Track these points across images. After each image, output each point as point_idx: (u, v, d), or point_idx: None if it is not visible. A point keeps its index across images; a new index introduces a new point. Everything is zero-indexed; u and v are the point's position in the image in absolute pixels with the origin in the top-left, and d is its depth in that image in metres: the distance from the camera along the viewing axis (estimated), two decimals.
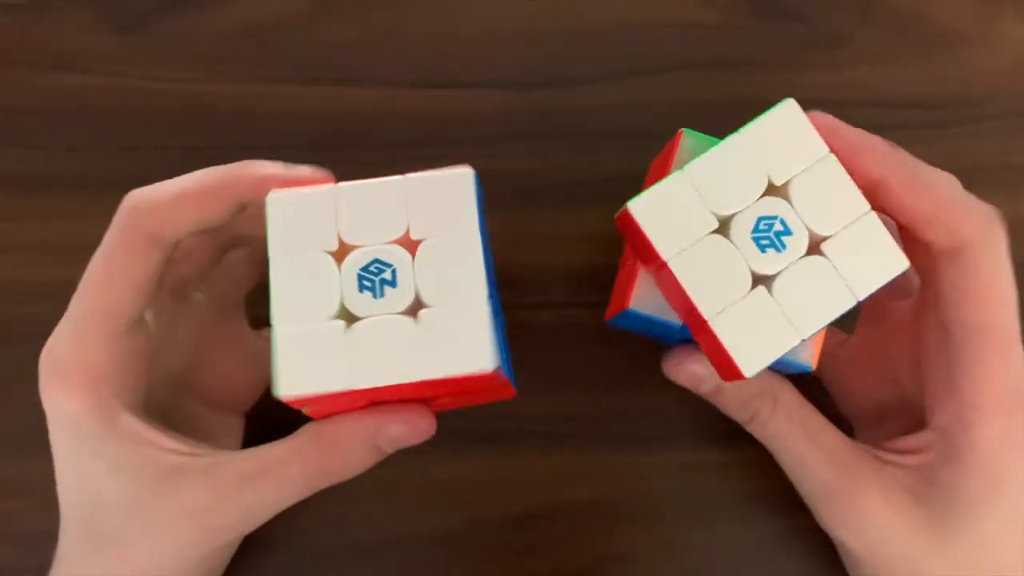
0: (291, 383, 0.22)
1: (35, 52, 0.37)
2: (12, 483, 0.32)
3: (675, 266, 0.23)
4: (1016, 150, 0.36)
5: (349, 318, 0.23)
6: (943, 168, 0.26)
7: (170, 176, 0.25)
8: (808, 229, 0.24)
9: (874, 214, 0.24)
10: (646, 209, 0.24)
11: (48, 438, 0.26)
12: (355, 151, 0.35)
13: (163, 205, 0.25)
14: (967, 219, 0.24)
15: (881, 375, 0.29)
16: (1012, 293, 0.24)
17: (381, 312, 0.23)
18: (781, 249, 0.23)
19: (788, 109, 0.24)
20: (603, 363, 0.33)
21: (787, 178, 0.24)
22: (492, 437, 0.32)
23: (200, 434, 0.27)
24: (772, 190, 0.24)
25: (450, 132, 0.36)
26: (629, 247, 0.27)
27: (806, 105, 0.35)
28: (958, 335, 0.25)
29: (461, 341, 0.22)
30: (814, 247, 0.24)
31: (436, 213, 0.23)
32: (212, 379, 0.30)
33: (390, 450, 0.25)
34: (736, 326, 0.23)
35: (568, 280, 0.34)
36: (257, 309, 0.31)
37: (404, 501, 0.32)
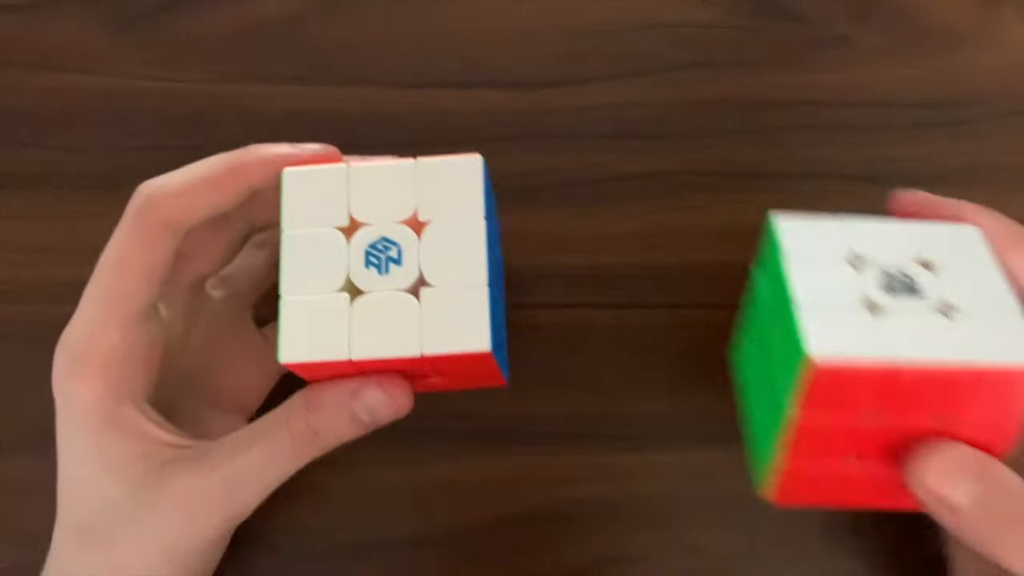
0: (294, 350, 0.23)
1: (35, 52, 0.37)
2: (11, 483, 0.32)
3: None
4: (1016, 150, 0.36)
5: (354, 292, 0.24)
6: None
7: None
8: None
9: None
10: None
11: (49, 438, 0.26)
12: (355, 151, 0.35)
13: (176, 193, 0.25)
14: None
15: None
16: None
17: (385, 288, 0.24)
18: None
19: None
20: (603, 363, 0.33)
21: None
22: (492, 437, 0.32)
23: (204, 437, 0.27)
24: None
25: (450, 132, 0.36)
26: None
27: (806, 105, 0.35)
28: None
29: (460, 321, 0.23)
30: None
31: (444, 197, 0.24)
32: (222, 379, 0.30)
33: (367, 419, 0.25)
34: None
35: (568, 280, 0.34)
36: (261, 309, 0.31)
37: (404, 501, 0.32)
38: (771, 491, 0.24)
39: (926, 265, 0.23)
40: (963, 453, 0.21)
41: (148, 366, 0.27)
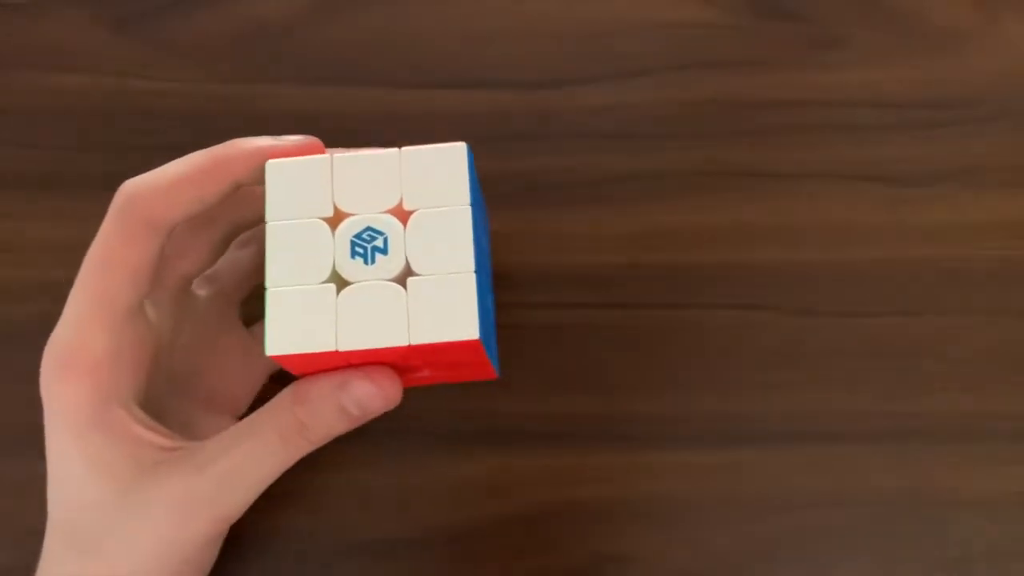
0: (280, 342, 0.23)
1: (35, 52, 0.37)
2: (12, 483, 0.32)
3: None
4: (1016, 150, 0.36)
5: (340, 282, 0.23)
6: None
7: None
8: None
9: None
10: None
11: (44, 438, 0.26)
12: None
13: (158, 190, 0.25)
14: None
15: None
16: None
17: (371, 278, 0.23)
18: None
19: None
20: (603, 363, 0.33)
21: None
22: (492, 437, 0.32)
23: (195, 438, 0.27)
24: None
25: (450, 132, 0.36)
26: None
27: (806, 105, 0.35)
28: None
29: (448, 309, 0.23)
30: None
31: (429, 185, 0.24)
32: (211, 379, 0.30)
33: (356, 412, 0.25)
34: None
35: (568, 280, 0.34)
36: (248, 308, 0.31)
37: (404, 501, 0.32)
38: None
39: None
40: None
41: (137, 367, 0.26)
